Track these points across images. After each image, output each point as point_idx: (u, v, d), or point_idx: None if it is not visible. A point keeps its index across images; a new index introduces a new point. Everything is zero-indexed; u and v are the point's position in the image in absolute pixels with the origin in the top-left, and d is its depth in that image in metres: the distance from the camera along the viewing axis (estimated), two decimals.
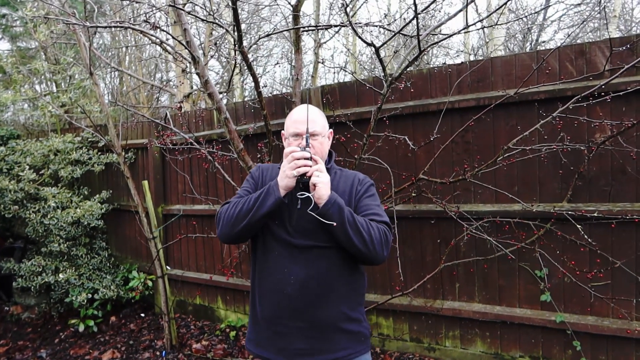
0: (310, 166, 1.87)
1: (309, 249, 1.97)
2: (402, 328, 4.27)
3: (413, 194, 3.98)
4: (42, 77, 10.51)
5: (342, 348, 2.01)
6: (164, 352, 4.82)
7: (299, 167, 1.86)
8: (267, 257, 2.06)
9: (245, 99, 5.89)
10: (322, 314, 1.98)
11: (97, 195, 6.15)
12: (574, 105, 3.19)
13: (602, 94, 3.18)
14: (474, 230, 3.68)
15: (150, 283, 5.86)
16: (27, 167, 5.93)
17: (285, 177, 1.89)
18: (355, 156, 3.89)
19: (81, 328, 5.45)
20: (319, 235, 1.97)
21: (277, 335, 2.03)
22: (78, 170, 6.05)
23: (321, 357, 1.98)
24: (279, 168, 2.12)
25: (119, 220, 6.56)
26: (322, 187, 1.85)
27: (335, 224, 1.85)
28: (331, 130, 2.26)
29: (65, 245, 5.72)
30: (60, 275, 5.50)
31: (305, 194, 1.89)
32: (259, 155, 4.27)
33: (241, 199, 2.03)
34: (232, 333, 5.06)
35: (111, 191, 6.41)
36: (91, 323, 5.49)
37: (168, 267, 5.64)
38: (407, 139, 3.79)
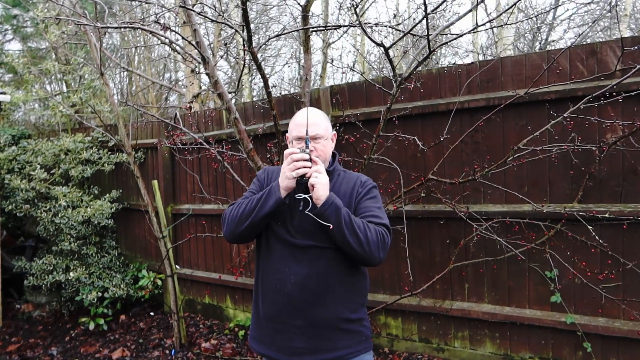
0: (309, 167, 1.90)
1: (309, 249, 2.00)
2: (410, 328, 4.26)
3: (422, 194, 3.97)
4: (53, 77, 10.60)
5: (342, 347, 2.03)
6: (173, 350, 4.84)
7: (298, 168, 1.89)
8: (270, 257, 2.10)
9: (254, 99, 5.91)
10: (321, 314, 2.00)
11: (107, 195, 6.18)
12: (585, 105, 3.17)
13: (614, 94, 3.16)
14: (483, 231, 3.66)
15: (159, 282, 5.89)
16: (38, 166, 5.97)
17: (285, 179, 1.93)
18: (365, 156, 3.88)
19: (91, 326, 5.49)
20: (319, 235, 1.99)
21: (277, 333, 2.06)
22: (88, 169, 6.09)
23: (320, 356, 2.01)
24: None
25: (128, 219, 6.59)
26: (320, 188, 1.88)
27: (331, 225, 1.88)
28: (335, 132, 2.27)
29: (75, 244, 5.76)
30: (71, 273, 5.54)
31: (303, 195, 1.93)
32: (268, 155, 4.27)
33: (245, 199, 2.08)
34: (241, 332, 5.07)
35: (121, 190, 6.45)
36: (101, 321, 5.53)
37: (177, 267, 5.67)
38: (416, 139, 3.79)
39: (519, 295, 3.76)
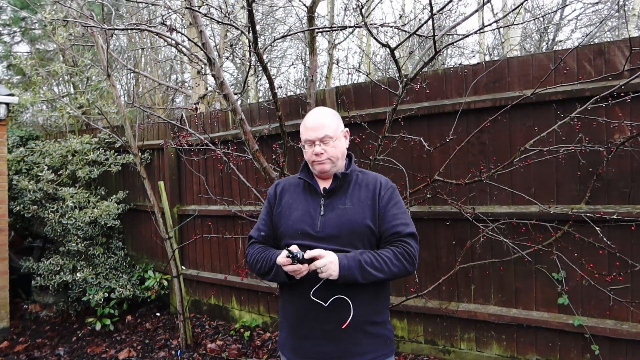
0: (305, 270, 1.90)
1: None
2: (416, 330, 4.23)
3: (428, 195, 3.94)
4: (61, 78, 10.64)
5: (369, 352, 2.02)
6: (179, 351, 4.84)
7: (295, 271, 1.91)
8: None
9: (260, 100, 5.90)
10: (348, 317, 1.98)
11: (114, 196, 6.20)
12: (593, 105, 3.14)
13: (622, 94, 3.13)
14: (489, 232, 3.64)
15: (165, 283, 5.89)
16: (46, 167, 6.00)
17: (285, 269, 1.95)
18: (370, 157, 3.86)
19: (98, 327, 5.50)
20: (344, 239, 2.00)
21: (305, 339, 2.05)
22: (95, 170, 6.11)
23: None
24: (299, 178, 2.20)
25: (135, 220, 6.60)
26: (331, 274, 1.88)
27: (361, 280, 1.92)
28: (347, 129, 2.24)
29: (82, 244, 5.78)
30: (78, 274, 5.56)
31: (319, 286, 1.95)
32: (274, 156, 4.26)
33: (260, 254, 2.12)
34: (247, 333, 5.06)
35: (127, 191, 6.46)
36: (108, 322, 5.54)
37: (183, 267, 5.66)
38: (422, 140, 3.77)
39: (526, 297, 3.73)
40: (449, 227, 4.00)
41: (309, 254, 1.87)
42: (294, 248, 1.90)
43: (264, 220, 2.23)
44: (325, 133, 2.07)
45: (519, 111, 3.60)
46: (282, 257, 1.90)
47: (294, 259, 1.86)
